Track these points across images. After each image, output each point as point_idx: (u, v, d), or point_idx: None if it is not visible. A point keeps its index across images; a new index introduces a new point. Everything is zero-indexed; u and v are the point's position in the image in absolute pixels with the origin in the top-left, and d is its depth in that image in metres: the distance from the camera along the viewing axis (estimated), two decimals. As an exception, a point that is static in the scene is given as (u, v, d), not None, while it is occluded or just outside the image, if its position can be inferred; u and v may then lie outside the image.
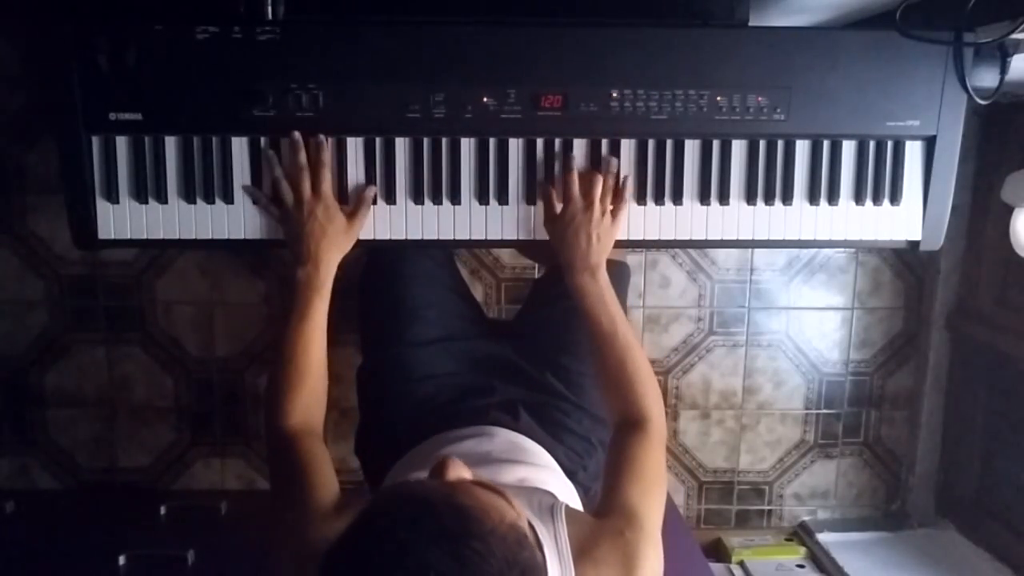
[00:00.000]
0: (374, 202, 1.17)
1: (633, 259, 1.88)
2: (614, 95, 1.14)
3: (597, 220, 1.14)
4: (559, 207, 1.16)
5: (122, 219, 1.16)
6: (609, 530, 0.89)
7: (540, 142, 1.17)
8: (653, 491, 0.98)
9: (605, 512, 0.94)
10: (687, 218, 1.20)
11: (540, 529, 0.77)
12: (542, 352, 1.31)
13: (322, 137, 1.13)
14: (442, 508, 0.66)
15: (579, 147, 1.18)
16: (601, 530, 0.89)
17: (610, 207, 1.16)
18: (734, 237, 1.21)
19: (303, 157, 1.13)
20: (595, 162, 1.18)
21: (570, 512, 0.90)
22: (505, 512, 0.68)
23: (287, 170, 1.14)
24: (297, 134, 1.13)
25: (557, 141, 1.17)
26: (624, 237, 1.19)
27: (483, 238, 1.20)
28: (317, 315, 1.10)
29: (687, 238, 1.22)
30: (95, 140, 1.14)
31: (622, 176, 1.18)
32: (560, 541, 0.84)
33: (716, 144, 1.18)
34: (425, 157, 1.17)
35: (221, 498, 1.82)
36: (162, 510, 1.77)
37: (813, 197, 1.20)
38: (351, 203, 1.16)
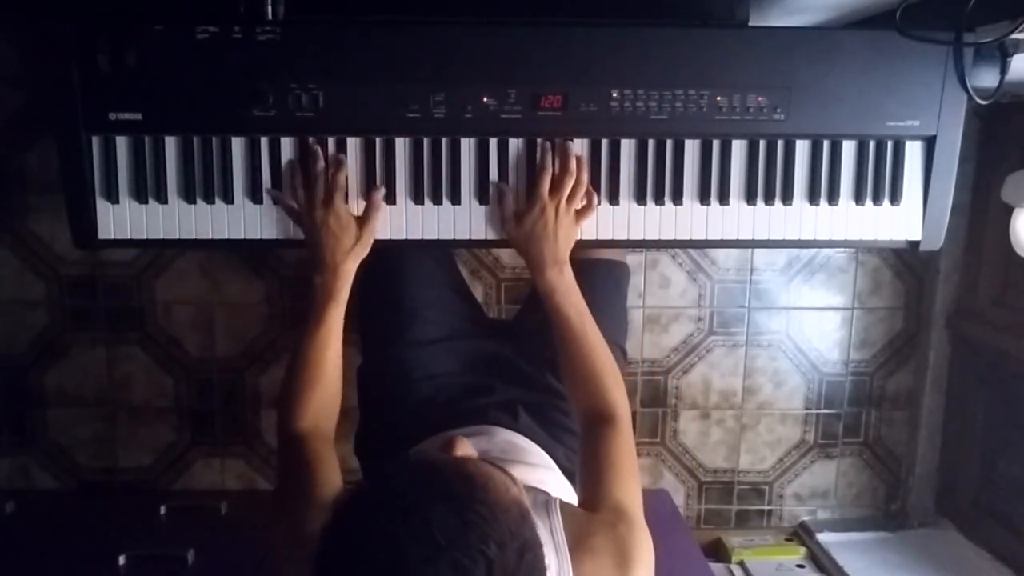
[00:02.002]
0: (391, 202, 1.17)
1: (633, 259, 1.88)
2: (614, 95, 1.14)
3: (563, 217, 1.14)
4: (510, 208, 1.16)
5: (122, 219, 1.16)
6: (602, 523, 0.92)
7: (540, 142, 1.17)
8: (632, 481, 1.01)
9: (593, 507, 0.96)
10: (687, 218, 1.20)
11: (536, 523, 0.77)
12: (542, 352, 1.31)
13: (343, 156, 1.14)
14: (450, 473, 0.67)
15: (579, 147, 1.17)
16: (594, 523, 0.91)
17: (576, 207, 1.16)
18: (734, 237, 1.21)
19: (318, 166, 1.13)
20: (595, 163, 1.18)
21: (564, 507, 0.92)
22: (510, 487, 0.70)
23: (302, 180, 1.14)
24: (315, 145, 1.14)
25: (557, 141, 1.17)
26: (624, 237, 1.19)
27: (483, 238, 1.20)
28: (333, 321, 1.11)
29: (687, 238, 1.22)
30: (95, 140, 1.14)
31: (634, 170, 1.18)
32: (556, 534, 0.86)
33: (716, 144, 1.18)
34: (425, 157, 1.17)
35: (221, 498, 1.82)
36: (162, 510, 1.77)
37: (813, 197, 1.20)
38: (362, 209, 1.16)
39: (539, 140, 1.17)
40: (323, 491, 0.96)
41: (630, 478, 1.01)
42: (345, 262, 1.12)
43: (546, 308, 1.15)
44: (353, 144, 1.16)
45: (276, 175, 1.16)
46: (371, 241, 1.15)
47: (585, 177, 1.16)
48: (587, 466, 1.05)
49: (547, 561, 0.72)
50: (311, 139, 1.14)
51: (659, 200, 1.19)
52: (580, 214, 1.16)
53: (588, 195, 1.17)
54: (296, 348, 1.11)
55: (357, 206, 1.16)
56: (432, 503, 0.63)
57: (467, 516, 0.63)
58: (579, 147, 1.18)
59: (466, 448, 0.78)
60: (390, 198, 1.17)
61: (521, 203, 1.16)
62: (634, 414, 1.59)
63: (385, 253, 1.33)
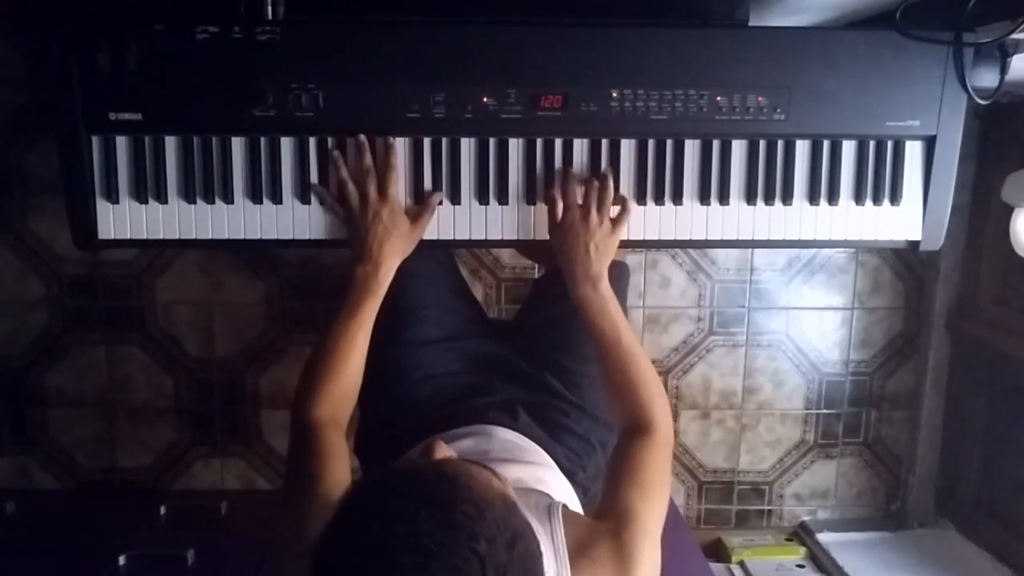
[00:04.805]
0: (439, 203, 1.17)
1: (633, 259, 1.88)
2: (614, 95, 1.14)
3: (595, 228, 1.13)
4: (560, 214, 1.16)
5: (122, 219, 1.16)
6: (606, 530, 0.89)
7: (540, 142, 1.17)
8: (654, 494, 0.98)
9: (603, 513, 0.94)
10: (687, 218, 1.20)
11: (537, 529, 0.77)
12: (542, 352, 1.31)
13: (392, 139, 1.14)
14: (430, 477, 0.67)
15: (579, 147, 1.18)
16: (598, 530, 0.89)
17: (610, 215, 1.16)
18: (734, 237, 1.21)
19: (369, 159, 1.13)
20: (595, 163, 1.18)
21: (567, 512, 0.90)
22: (492, 481, 0.70)
23: (353, 172, 1.14)
24: (363, 137, 1.14)
25: (557, 141, 1.17)
26: (624, 237, 1.19)
27: (483, 238, 1.20)
28: (368, 314, 1.11)
29: (687, 238, 1.22)
30: (95, 140, 1.14)
31: (634, 172, 1.18)
32: (557, 540, 0.85)
33: (716, 144, 1.18)
34: (425, 157, 1.17)
35: (221, 498, 1.82)
36: (162, 510, 1.77)
37: (813, 197, 1.20)
38: (416, 206, 1.16)
39: (539, 140, 1.17)
40: (331, 487, 0.95)
41: (652, 490, 0.98)
42: (391, 257, 1.12)
43: (581, 320, 1.15)
44: (353, 144, 1.16)
45: (276, 175, 1.16)
46: (419, 239, 1.15)
47: (611, 183, 1.15)
48: (610, 472, 1.03)
49: (546, 567, 0.72)
50: (312, 140, 1.14)
51: (659, 200, 1.19)
52: (617, 222, 1.15)
53: (621, 200, 1.16)
54: (325, 335, 1.10)
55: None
56: (417, 510, 0.63)
57: (453, 517, 0.63)
58: (579, 147, 1.18)
59: (444, 451, 0.78)
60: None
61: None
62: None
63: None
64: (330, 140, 1.15)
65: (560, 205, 1.15)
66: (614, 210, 1.16)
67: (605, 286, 1.13)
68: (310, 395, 1.06)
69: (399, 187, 1.15)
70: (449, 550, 0.61)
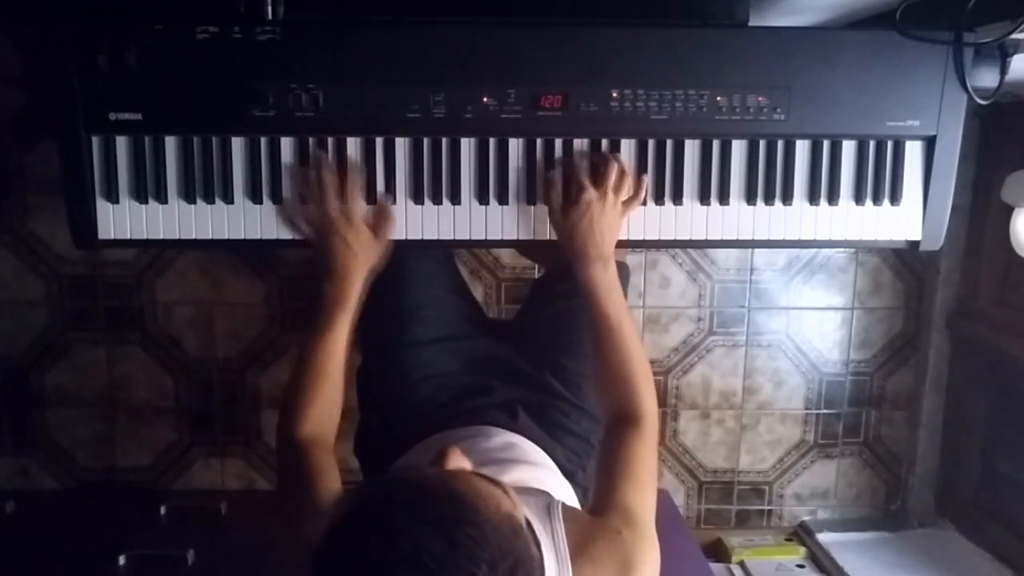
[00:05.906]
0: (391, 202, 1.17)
1: (633, 259, 1.88)
2: (614, 95, 1.14)
3: (610, 209, 1.13)
4: (558, 200, 1.15)
5: (122, 219, 1.16)
6: (606, 529, 0.90)
7: (540, 142, 1.17)
8: (647, 489, 0.99)
9: (601, 510, 0.95)
10: (687, 218, 1.20)
11: (537, 528, 0.77)
12: (541, 352, 1.31)
13: (351, 153, 1.14)
14: (438, 493, 0.66)
15: (579, 147, 1.17)
16: (598, 528, 0.90)
17: (623, 198, 1.16)
18: (734, 237, 1.21)
19: (329, 174, 1.13)
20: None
21: (567, 510, 0.90)
22: (502, 502, 0.69)
23: (314, 187, 1.13)
24: (324, 153, 1.13)
25: (557, 141, 1.17)
26: (624, 237, 1.19)
27: (483, 238, 1.20)
28: (340, 329, 1.10)
29: (687, 238, 1.22)
30: (95, 140, 1.14)
31: (634, 169, 1.17)
32: (557, 539, 0.84)
33: (716, 144, 1.18)
34: (425, 157, 1.17)
35: (221, 498, 1.82)
36: (162, 510, 1.77)
37: (813, 197, 1.20)
38: (375, 218, 1.15)
39: (539, 140, 1.17)
40: (324, 501, 0.95)
41: (644, 484, 0.99)
42: (356, 270, 1.12)
43: (585, 303, 1.14)
44: (353, 144, 1.16)
45: (276, 175, 1.16)
46: (382, 249, 1.15)
47: (629, 166, 1.15)
48: (603, 467, 1.04)
49: (547, 566, 0.72)
50: (311, 140, 1.14)
51: (659, 200, 1.19)
52: (627, 205, 1.16)
53: (635, 184, 1.16)
54: (301, 355, 1.10)
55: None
56: (421, 526, 0.62)
57: (456, 538, 0.62)
58: (579, 147, 1.18)
59: (458, 460, 0.76)
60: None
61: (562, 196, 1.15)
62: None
63: (385, 253, 1.33)
64: (264, 142, 1.15)
65: (568, 185, 1.14)
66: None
67: (613, 268, 1.14)
68: (294, 417, 1.06)
69: (358, 200, 1.14)
70: (448, 571, 0.61)
